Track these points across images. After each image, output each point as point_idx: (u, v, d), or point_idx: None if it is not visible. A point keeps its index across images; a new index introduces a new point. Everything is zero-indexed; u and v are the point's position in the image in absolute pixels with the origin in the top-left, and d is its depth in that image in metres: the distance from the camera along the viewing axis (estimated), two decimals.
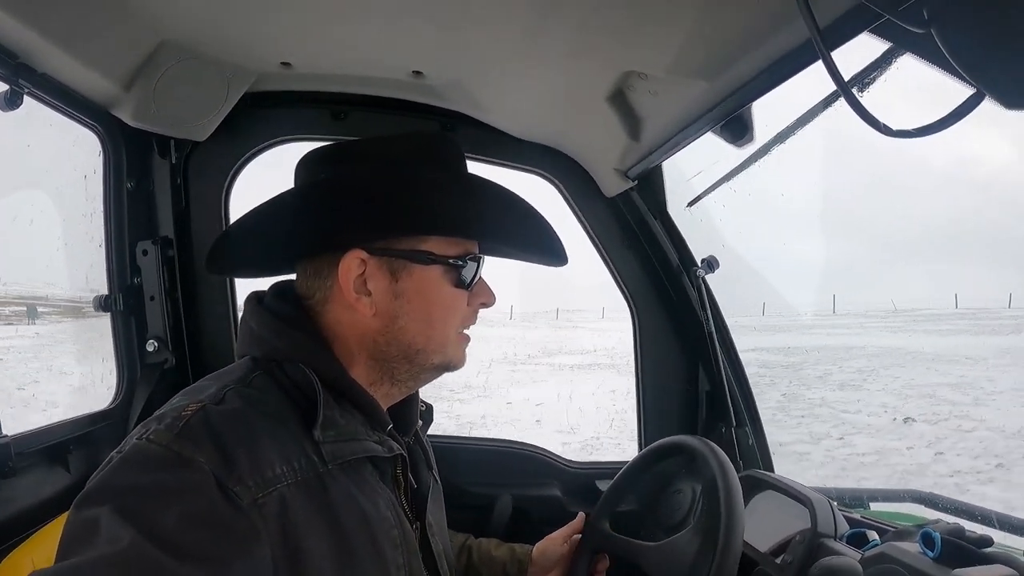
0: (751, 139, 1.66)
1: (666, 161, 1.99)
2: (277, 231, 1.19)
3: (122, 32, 1.58)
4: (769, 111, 1.61)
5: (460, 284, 1.19)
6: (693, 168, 2.03)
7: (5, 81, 1.48)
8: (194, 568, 0.82)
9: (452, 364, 1.24)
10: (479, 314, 1.29)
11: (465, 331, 1.26)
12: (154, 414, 0.99)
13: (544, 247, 1.31)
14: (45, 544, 1.45)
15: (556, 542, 1.66)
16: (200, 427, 0.93)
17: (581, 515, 1.72)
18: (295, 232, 1.17)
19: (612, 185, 2.12)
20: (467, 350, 1.28)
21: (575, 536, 1.68)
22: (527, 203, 1.26)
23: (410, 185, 1.17)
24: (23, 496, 1.54)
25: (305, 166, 1.24)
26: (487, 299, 1.27)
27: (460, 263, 1.18)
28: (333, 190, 1.18)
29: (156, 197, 2.01)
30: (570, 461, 2.31)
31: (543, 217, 1.28)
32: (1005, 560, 1.20)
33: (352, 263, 1.12)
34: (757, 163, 1.74)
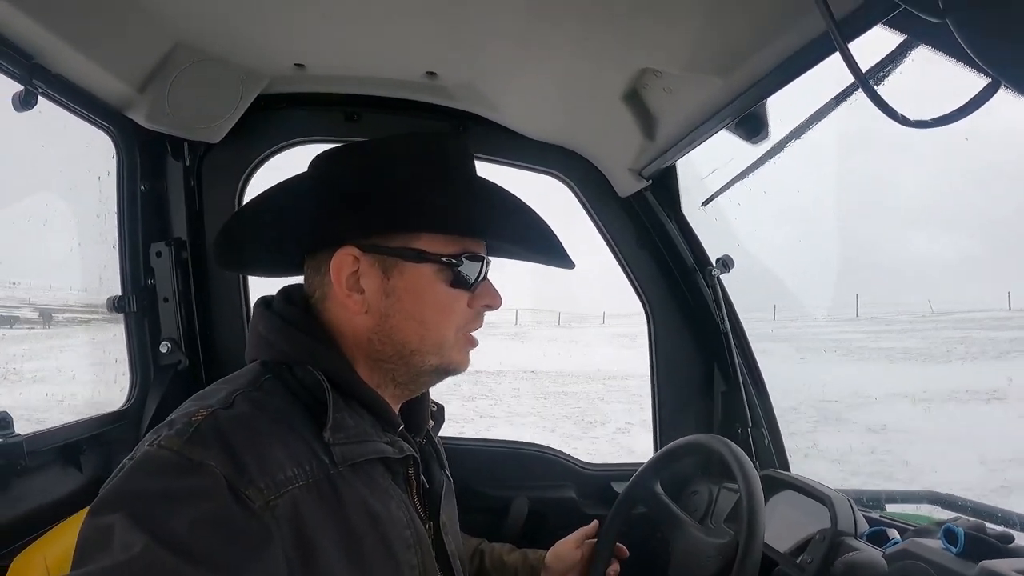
0: (766, 136, 1.65)
1: (680, 160, 1.98)
2: (273, 224, 1.20)
3: (136, 34, 1.59)
4: (784, 107, 1.60)
5: (458, 284, 1.16)
6: (707, 167, 2.02)
7: (20, 81, 1.48)
8: (207, 572, 0.82)
9: (452, 367, 1.21)
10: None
11: (470, 333, 1.24)
12: (165, 420, 0.99)
13: (543, 245, 1.27)
14: (58, 543, 1.45)
15: (569, 546, 1.65)
16: (210, 432, 0.93)
17: (595, 523, 1.71)
18: (289, 226, 1.18)
19: (626, 185, 2.11)
20: (471, 354, 1.26)
21: (589, 540, 1.67)
22: (525, 203, 1.24)
23: (400, 180, 1.16)
24: (36, 495, 1.54)
25: (312, 165, 1.25)
26: (491, 301, 1.24)
27: (455, 262, 1.15)
28: (326, 185, 1.19)
29: (170, 199, 2.02)
30: (585, 463, 2.30)
31: (539, 215, 1.25)
32: None
33: (345, 260, 1.12)
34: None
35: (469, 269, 1.17)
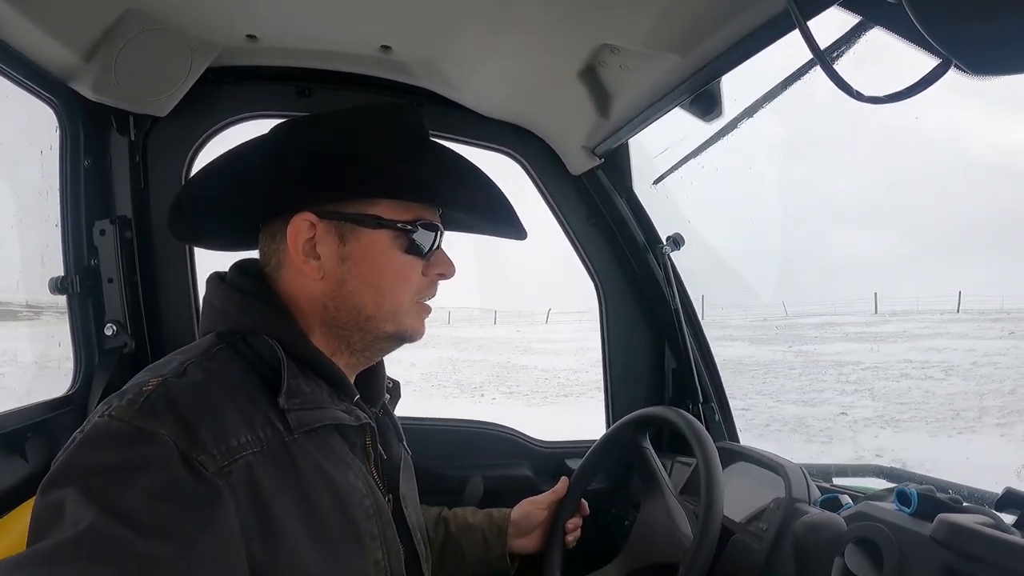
0: (720, 114, 1.68)
1: (633, 140, 2.00)
2: (230, 191, 1.19)
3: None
4: (738, 87, 1.64)
5: (412, 251, 1.19)
6: (659, 146, 2.06)
7: None
8: (159, 542, 0.82)
9: (407, 334, 1.23)
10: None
11: (424, 301, 1.25)
12: (118, 391, 0.97)
13: (498, 216, 1.32)
14: (7, 535, 1.40)
15: (539, 506, 1.70)
16: (161, 400, 0.93)
17: (564, 480, 1.76)
18: (245, 193, 1.18)
19: (578, 163, 2.14)
20: (426, 321, 1.27)
21: (557, 500, 1.73)
22: (482, 171, 1.26)
23: (358, 147, 1.17)
24: None
25: (270, 133, 1.25)
26: (445, 269, 1.26)
27: (410, 228, 1.17)
28: (282, 152, 1.19)
29: (114, 175, 1.94)
30: (540, 441, 2.32)
31: (497, 187, 1.28)
32: (980, 512, 1.24)
33: (301, 226, 1.13)
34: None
35: (423, 237, 1.19)
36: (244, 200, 1.18)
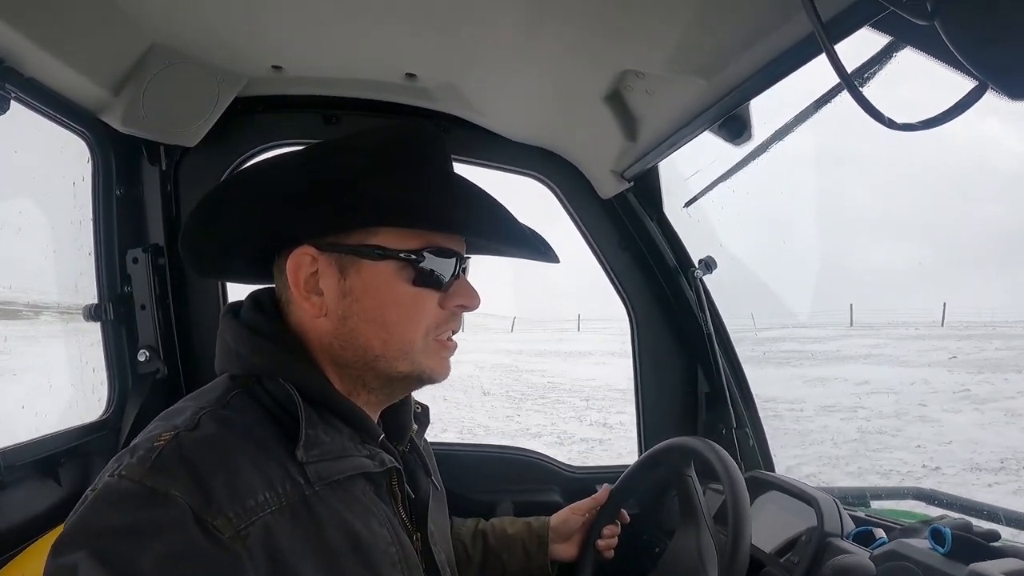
0: (749, 137, 1.65)
1: (663, 162, 1.97)
2: (229, 224, 1.13)
3: (112, 35, 1.55)
4: (767, 109, 1.60)
5: (424, 282, 1.09)
6: (690, 168, 2.02)
7: None
8: None
9: (426, 374, 1.14)
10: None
11: (445, 337, 1.16)
12: (129, 445, 0.94)
13: (507, 237, 1.18)
14: (39, 559, 1.42)
15: (579, 512, 1.71)
16: (173, 458, 0.88)
17: (606, 487, 1.76)
18: (242, 226, 1.12)
19: (608, 187, 2.11)
20: (450, 359, 1.19)
21: (597, 508, 1.74)
22: (487, 193, 1.16)
23: (350, 173, 1.08)
24: (14, 510, 1.52)
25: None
26: (466, 301, 1.16)
27: (415, 257, 1.07)
28: (277, 181, 1.13)
29: (146, 204, 1.99)
30: (569, 466, 2.30)
31: (505, 208, 1.17)
32: (1015, 553, 1.19)
33: (302, 260, 1.06)
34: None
35: (438, 265, 1.10)
36: (246, 233, 1.12)
